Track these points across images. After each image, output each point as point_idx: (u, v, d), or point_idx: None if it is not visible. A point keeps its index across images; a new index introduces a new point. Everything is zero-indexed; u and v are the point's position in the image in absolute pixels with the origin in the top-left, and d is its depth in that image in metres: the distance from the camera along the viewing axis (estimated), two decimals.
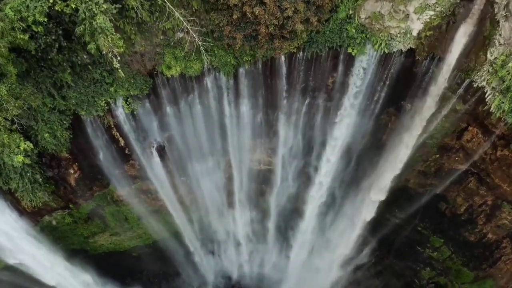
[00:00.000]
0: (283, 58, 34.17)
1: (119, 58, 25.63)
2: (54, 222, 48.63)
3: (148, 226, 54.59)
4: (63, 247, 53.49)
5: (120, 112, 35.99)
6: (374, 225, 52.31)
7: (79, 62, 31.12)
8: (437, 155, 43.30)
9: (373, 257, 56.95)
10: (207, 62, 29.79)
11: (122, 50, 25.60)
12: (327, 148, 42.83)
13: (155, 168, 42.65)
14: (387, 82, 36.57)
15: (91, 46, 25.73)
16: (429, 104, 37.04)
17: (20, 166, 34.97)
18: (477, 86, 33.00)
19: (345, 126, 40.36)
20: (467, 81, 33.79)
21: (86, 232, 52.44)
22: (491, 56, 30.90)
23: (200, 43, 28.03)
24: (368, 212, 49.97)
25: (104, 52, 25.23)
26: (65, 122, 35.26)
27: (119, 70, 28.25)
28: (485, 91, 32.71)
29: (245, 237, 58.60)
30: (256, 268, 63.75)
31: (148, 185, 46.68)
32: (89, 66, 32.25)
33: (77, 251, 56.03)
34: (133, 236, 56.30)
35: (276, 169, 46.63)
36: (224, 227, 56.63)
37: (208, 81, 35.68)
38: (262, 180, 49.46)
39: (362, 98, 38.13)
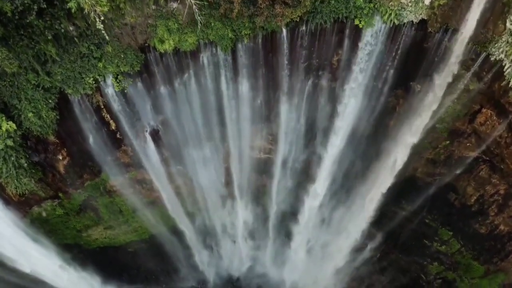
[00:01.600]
0: (284, 31, 31.08)
1: (102, 18, 22.31)
2: (44, 214, 45.36)
3: (144, 220, 51.29)
4: (55, 241, 49.99)
5: (110, 91, 32.86)
6: (380, 218, 48.85)
7: (64, 33, 27.93)
8: (447, 142, 40.15)
9: (378, 252, 53.37)
10: (201, 29, 26.38)
11: (106, 9, 22.47)
12: (331, 134, 39.49)
13: (149, 154, 39.43)
14: (396, 60, 33.54)
15: (72, 4, 22.72)
16: (440, 84, 34.01)
17: (3, 149, 31.71)
18: (494, 59, 29.96)
19: (351, 109, 37.08)
20: (483, 55, 30.71)
21: (78, 225, 49.12)
22: (511, 24, 27.62)
23: (195, 9, 24.72)
24: (373, 204, 46.50)
25: (86, 11, 21.92)
26: (50, 101, 32.11)
27: (108, 45, 25.27)
28: (503, 64, 29.46)
29: (245, 231, 55.15)
30: (257, 263, 60.25)
31: (143, 174, 43.42)
32: (75, 39, 29.17)
33: (70, 246, 52.48)
34: (129, 230, 52.98)
35: (277, 157, 43.26)
36: (223, 220, 53.33)
37: (204, 57, 32.58)
38: (263, 170, 46.07)
39: (369, 78, 35.16)
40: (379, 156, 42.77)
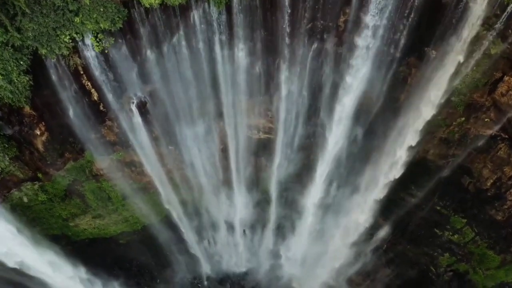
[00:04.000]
0: None
1: None
2: (25, 199, 40.63)
3: (135, 208, 46.58)
4: (40, 231, 45.18)
5: (90, 53, 28.26)
6: (387, 206, 44.09)
7: None
8: (463, 118, 35.85)
9: (384, 243, 48.53)
10: None
11: None
12: (336, 110, 34.77)
13: (137, 131, 34.89)
14: (410, 19, 28.76)
15: None
16: (458, 49, 29.58)
17: None
18: None
19: (358, 79, 32.42)
20: (509, 8, 25.80)
21: (64, 213, 44.43)
22: None
23: None
24: (379, 192, 41.77)
25: None
26: (22, 62, 27.60)
27: None
28: None
29: (244, 221, 50.26)
30: (256, 255, 55.25)
31: (131, 155, 38.79)
32: None
33: (58, 237, 47.59)
34: (119, 219, 48.24)
35: (277, 137, 38.51)
36: (219, 209, 48.39)
37: (196, 15, 28.20)
38: (262, 152, 41.28)
39: (379, 42, 30.33)
40: (388, 135, 37.94)
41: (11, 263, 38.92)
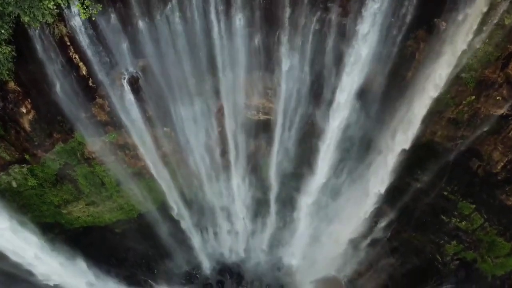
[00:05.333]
0: None
1: None
2: (14, 184, 38.42)
3: (130, 195, 44.35)
4: (32, 219, 42.95)
5: (77, 21, 25.78)
6: (392, 192, 41.82)
7: None
8: (473, 97, 33.61)
9: (388, 230, 46.28)
10: None
11: None
12: (340, 87, 32.49)
13: (129, 110, 32.58)
14: None
15: None
16: (469, 19, 27.40)
17: None
18: None
19: (364, 54, 30.13)
20: None
21: (56, 200, 42.17)
22: None
23: None
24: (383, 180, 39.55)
25: None
26: (3, 31, 25.42)
27: None
28: None
29: (243, 208, 48.02)
30: (256, 244, 53.01)
31: (125, 137, 36.53)
32: None
33: (50, 225, 45.35)
34: (114, 207, 46.00)
35: (277, 118, 36.18)
36: (218, 195, 46.12)
37: None
38: (262, 135, 38.99)
39: (386, 12, 28.07)
40: (394, 116, 35.68)
41: None
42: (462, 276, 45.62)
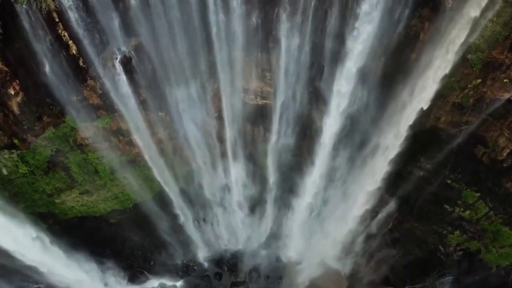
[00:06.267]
0: None
1: None
2: (5, 171, 37.15)
3: (125, 184, 43.02)
4: (25, 209, 41.60)
5: None
6: (394, 181, 40.42)
7: None
8: (479, 80, 32.32)
9: (390, 220, 44.90)
10: None
11: None
12: (341, 69, 31.05)
13: (122, 92, 31.09)
14: None
15: None
16: None
17: None
18: None
19: (366, 33, 28.76)
20: None
21: (49, 188, 40.79)
22: None
23: None
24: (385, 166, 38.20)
25: None
26: None
27: None
28: None
29: (241, 197, 46.66)
30: (254, 236, 51.64)
31: (118, 122, 35.16)
32: None
33: (44, 215, 43.96)
34: (108, 196, 44.64)
35: (276, 103, 34.78)
36: (215, 184, 44.71)
37: None
38: (260, 120, 37.56)
39: None
40: (397, 99, 34.29)
41: None
42: (465, 267, 44.37)
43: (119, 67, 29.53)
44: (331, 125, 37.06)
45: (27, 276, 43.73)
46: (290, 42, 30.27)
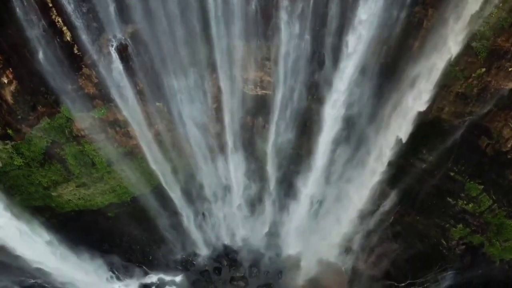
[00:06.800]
0: None
1: None
2: None
3: (123, 176, 42.27)
4: (21, 202, 40.86)
5: None
6: (395, 173, 39.68)
7: None
8: (483, 69, 31.54)
9: (391, 214, 44.14)
10: None
11: None
12: (343, 56, 30.19)
13: (118, 82, 30.19)
14: None
15: None
16: None
17: None
18: None
19: (368, 21, 28.19)
20: None
21: (45, 181, 40.03)
22: None
23: None
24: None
25: None
26: None
27: None
28: None
29: (240, 191, 45.82)
30: (254, 229, 50.83)
31: (115, 112, 34.43)
32: None
33: (40, 209, 43.22)
34: (106, 189, 43.90)
35: (276, 93, 33.97)
36: (214, 177, 43.89)
37: None
38: (259, 111, 36.75)
39: None
40: (399, 89, 33.49)
41: None
42: (467, 261, 43.60)
43: (114, 55, 28.74)
44: (332, 115, 36.21)
45: (24, 271, 42.97)
46: (291, 30, 29.45)
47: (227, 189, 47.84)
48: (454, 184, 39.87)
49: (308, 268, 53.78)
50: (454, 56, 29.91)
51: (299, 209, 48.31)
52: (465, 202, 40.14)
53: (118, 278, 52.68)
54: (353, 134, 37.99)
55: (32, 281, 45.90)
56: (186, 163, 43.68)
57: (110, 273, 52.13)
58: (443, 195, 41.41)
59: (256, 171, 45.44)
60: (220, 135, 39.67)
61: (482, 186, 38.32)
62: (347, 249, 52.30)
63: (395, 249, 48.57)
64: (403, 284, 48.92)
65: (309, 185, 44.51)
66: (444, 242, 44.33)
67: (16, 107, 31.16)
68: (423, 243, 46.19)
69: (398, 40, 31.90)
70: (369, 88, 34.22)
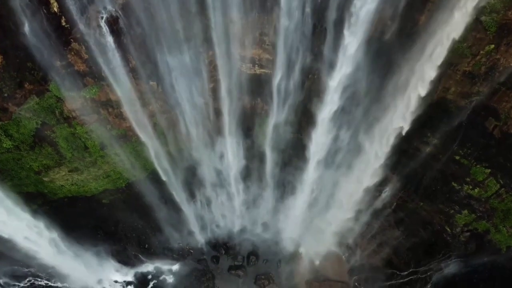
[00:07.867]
0: None
1: None
2: None
3: (117, 161, 40.75)
4: (12, 188, 39.37)
5: None
6: (398, 157, 38.14)
7: None
8: (492, 46, 29.95)
9: (394, 200, 42.69)
10: None
11: None
12: (346, 31, 28.51)
13: (109, 57, 28.64)
14: None
15: None
16: None
17: None
18: None
19: None
20: None
21: (36, 165, 38.51)
22: None
23: None
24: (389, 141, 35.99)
25: None
26: None
27: None
28: None
29: (238, 176, 44.32)
30: (253, 216, 49.43)
31: (107, 92, 32.79)
32: None
33: (32, 195, 41.72)
34: (99, 174, 42.37)
35: (275, 72, 32.31)
36: (211, 163, 42.37)
37: None
38: (258, 91, 35.13)
39: None
40: (403, 67, 31.90)
41: None
42: (472, 249, 42.23)
43: (105, 27, 27.08)
44: (334, 94, 34.60)
45: (17, 260, 41.69)
46: (291, 1, 27.63)
47: (224, 172, 46.28)
48: (460, 168, 38.44)
49: (307, 256, 52.47)
50: (461, 31, 28.14)
51: (299, 196, 46.74)
52: (470, 187, 38.66)
53: (113, 267, 51.27)
54: (355, 114, 36.36)
55: (26, 270, 44.67)
56: (182, 146, 42.07)
57: (106, 261, 50.68)
58: (448, 180, 40.00)
59: (255, 153, 43.87)
60: (217, 116, 37.98)
61: (489, 170, 36.87)
62: (347, 237, 50.79)
63: (398, 237, 47.28)
64: (405, 273, 47.59)
65: (309, 171, 42.89)
66: (448, 229, 42.99)
67: (1, 84, 29.58)
68: (426, 231, 44.90)
69: (404, 15, 30.14)
70: (372, 67, 32.50)
